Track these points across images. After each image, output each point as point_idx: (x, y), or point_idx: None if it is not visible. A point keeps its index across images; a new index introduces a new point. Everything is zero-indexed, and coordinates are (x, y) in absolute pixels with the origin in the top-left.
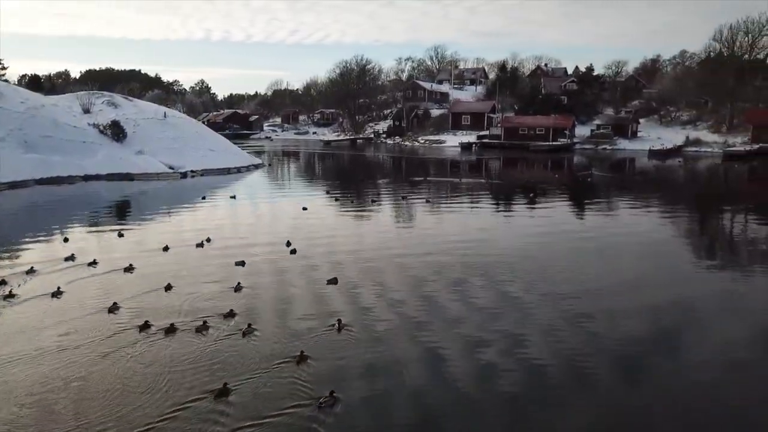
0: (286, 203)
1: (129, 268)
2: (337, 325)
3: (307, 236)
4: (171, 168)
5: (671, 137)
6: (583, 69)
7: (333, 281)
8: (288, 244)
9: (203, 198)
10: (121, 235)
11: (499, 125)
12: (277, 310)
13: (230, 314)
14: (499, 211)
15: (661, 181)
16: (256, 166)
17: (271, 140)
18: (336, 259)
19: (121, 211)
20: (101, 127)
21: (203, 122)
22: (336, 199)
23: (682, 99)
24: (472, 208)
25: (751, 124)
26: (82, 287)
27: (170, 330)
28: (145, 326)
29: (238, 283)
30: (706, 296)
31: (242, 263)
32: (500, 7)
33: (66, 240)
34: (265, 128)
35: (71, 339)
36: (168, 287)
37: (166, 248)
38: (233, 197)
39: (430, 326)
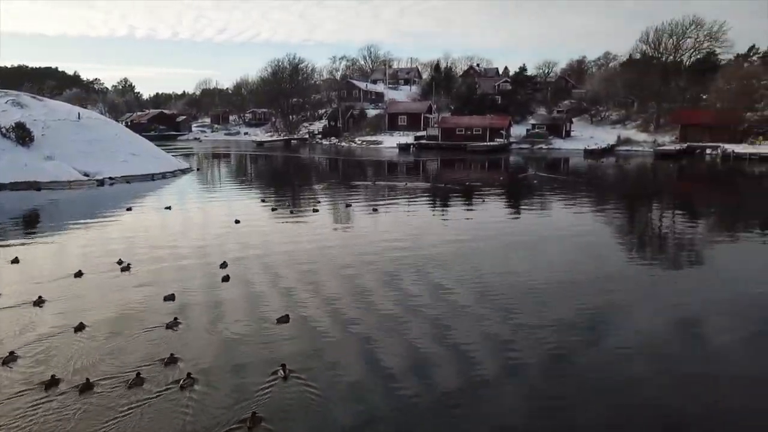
0: (218, 213)
1: (39, 302)
2: (282, 372)
3: (242, 255)
4: (86, 175)
5: (604, 137)
6: (512, 70)
7: (284, 319)
8: (223, 265)
9: (128, 209)
10: (15, 261)
11: (435, 125)
12: (217, 355)
13: (170, 361)
14: (468, 219)
15: (600, 181)
16: (184, 171)
17: (200, 141)
18: (281, 285)
19: (25, 227)
20: (3, 130)
21: (126, 123)
22: (273, 209)
23: (610, 99)
24: (433, 214)
25: (678, 124)
26: None
27: (86, 388)
28: (52, 383)
29: (175, 318)
30: (628, 289)
31: (172, 297)
32: (429, 8)
33: None
34: (193, 129)
35: None
36: (79, 327)
37: (78, 274)
38: (168, 208)
39: (388, 352)
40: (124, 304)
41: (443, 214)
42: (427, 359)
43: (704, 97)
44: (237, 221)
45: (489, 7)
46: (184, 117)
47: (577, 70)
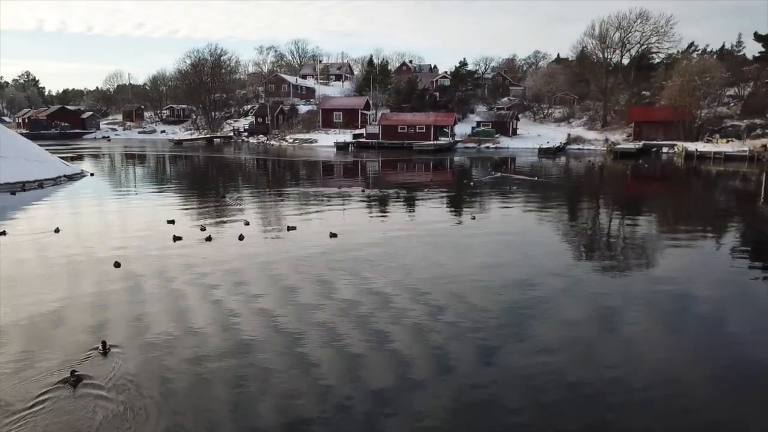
0: (103, 253)
1: None
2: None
3: (136, 334)
4: None
5: (552, 135)
6: (441, 69)
7: None
8: (103, 348)
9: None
10: None
11: (375, 123)
12: None
13: None
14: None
15: (579, 183)
16: (71, 178)
17: (109, 140)
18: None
19: None
20: None
21: (22, 120)
22: (176, 238)
23: (553, 96)
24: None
25: (632, 121)
26: None
27: None
28: None
29: None
30: (554, 285)
31: None
32: (354, 8)
33: None
34: (102, 127)
35: None
36: None
37: None
38: (3, 233)
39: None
40: None
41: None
42: (354, 359)
43: (647, 93)
44: (117, 264)
45: (414, 8)
46: (91, 113)
47: (511, 68)
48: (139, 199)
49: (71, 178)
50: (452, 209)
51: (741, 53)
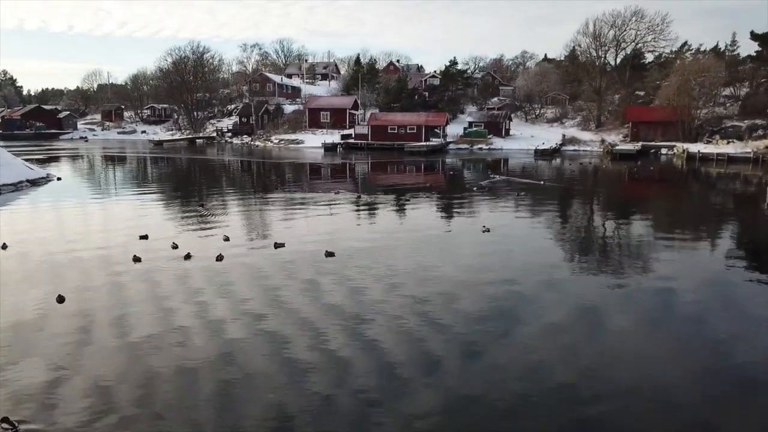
0: (47, 282)
1: None
2: None
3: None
4: None
5: (546, 136)
6: (428, 69)
7: None
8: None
9: None
10: None
11: (364, 123)
12: None
13: None
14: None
15: (588, 188)
16: (35, 183)
17: (86, 141)
18: None
19: None
20: None
21: None
22: (136, 259)
23: (545, 96)
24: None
25: (630, 121)
26: None
27: None
28: None
29: None
30: (536, 286)
31: None
32: (339, 8)
33: None
34: (79, 127)
35: None
36: None
37: None
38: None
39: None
40: None
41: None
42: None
43: (641, 93)
44: (60, 299)
45: (399, 8)
46: (68, 113)
47: (499, 68)
48: (108, 207)
49: (35, 183)
50: (466, 216)
51: (735, 53)
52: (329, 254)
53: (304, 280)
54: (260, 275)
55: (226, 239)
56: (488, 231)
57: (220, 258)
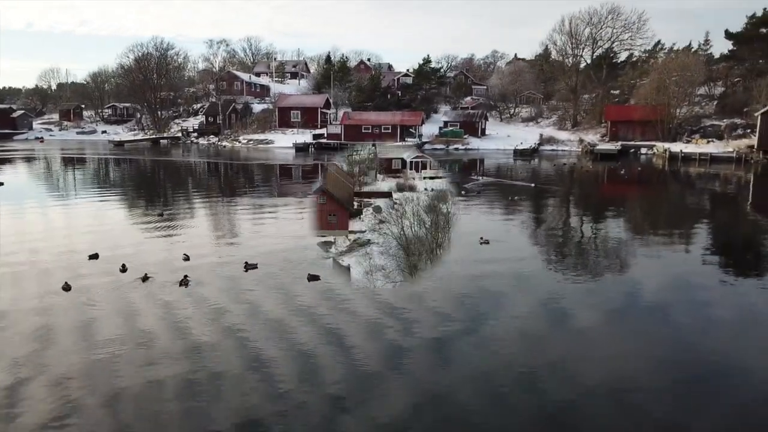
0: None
1: None
2: None
3: None
4: None
5: (522, 135)
6: (397, 68)
7: None
8: None
9: None
10: None
11: (336, 123)
12: None
13: None
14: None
15: (586, 190)
16: None
17: (42, 141)
18: None
19: None
20: None
21: None
22: (66, 288)
23: (519, 95)
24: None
25: (608, 120)
26: None
27: None
28: None
29: None
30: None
31: None
32: (307, 8)
33: None
34: (35, 127)
35: None
36: None
37: None
38: None
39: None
40: None
41: None
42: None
43: (616, 92)
44: None
45: (368, 8)
46: (23, 112)
47: (471, 67)
48: (53, 217)
49: None
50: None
51: (709, 52)
52: (313, 278)
53: (291, 322)
54: (231, 312)
55: (186, 258)
56: (487, 243)
57: (184, 282)
